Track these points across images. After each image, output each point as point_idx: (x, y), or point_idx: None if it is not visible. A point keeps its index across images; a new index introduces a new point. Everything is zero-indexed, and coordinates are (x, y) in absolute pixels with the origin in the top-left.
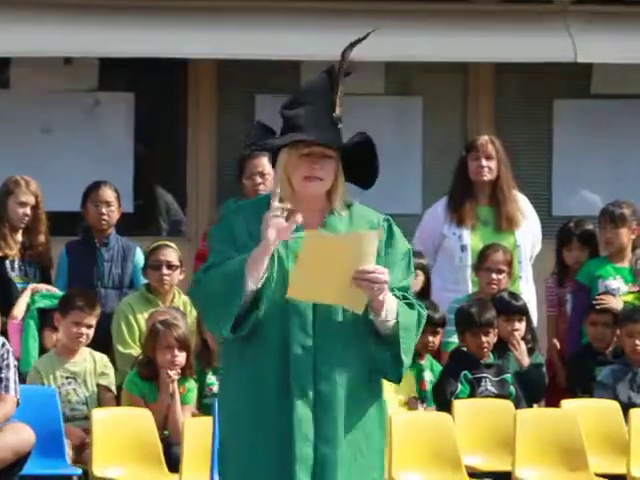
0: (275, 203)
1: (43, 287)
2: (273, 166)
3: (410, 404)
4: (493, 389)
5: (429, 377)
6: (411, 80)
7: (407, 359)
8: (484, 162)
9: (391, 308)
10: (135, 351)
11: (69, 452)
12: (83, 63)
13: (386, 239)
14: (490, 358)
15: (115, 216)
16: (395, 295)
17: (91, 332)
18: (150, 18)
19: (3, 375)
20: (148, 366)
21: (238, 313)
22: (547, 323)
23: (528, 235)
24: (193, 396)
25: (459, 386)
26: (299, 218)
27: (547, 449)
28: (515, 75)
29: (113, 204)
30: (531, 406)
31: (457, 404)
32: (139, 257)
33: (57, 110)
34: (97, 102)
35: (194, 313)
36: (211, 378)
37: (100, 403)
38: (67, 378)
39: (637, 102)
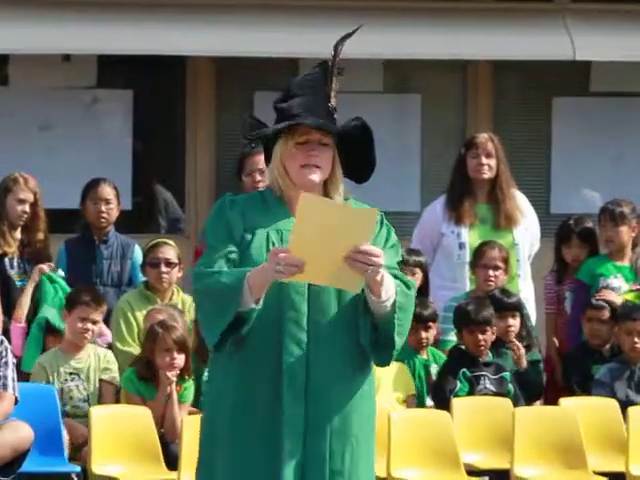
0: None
1: (46, 267)
2: (267, 161)
3: (409, 403)
4: (492, 387)
5: (435, 369)
6: (410, 78)
7: (400, 341)
8: (483, 160)
9: (389, 288)
10: (134, 349)
11: (67, 448)
12: (82, 60)
13: (378, 231)
14: (489, 356)
15: (114, 213)
16: (392, 274)
17: (97, 328)
18: (149, 15)
19: (1, 373)
20: (147, 367)
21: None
22: (546, 321)
23: (526, 233)
24: (190, 394)
25: (458, 384)
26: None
27: (546, 447)
28: (514, 73)
29: (112, 201)
30: (530, 404)
31: (456, 402)
32: (138, 254)
33: (56, 107)
34: (96, 99)
35: (192, 311)
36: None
37: (101, 397)
38: (71, 374)
39: (636, 100)
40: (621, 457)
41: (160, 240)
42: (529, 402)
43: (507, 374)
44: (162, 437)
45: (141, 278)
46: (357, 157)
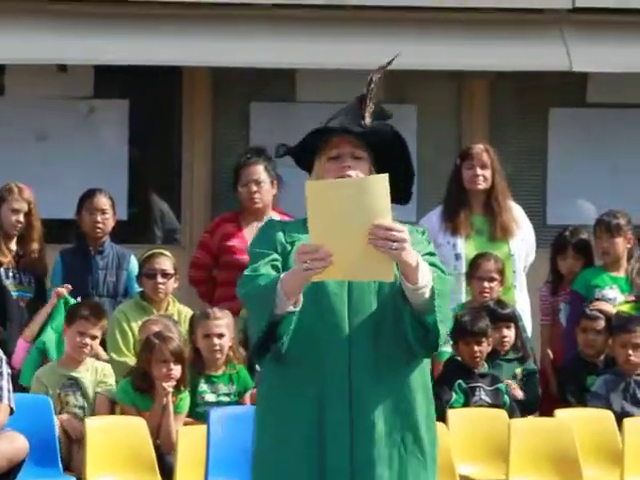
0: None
1: (64, 290)
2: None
3: None
4: (487, 398)
5: None
6: (405, 89)
7: (443, 329)
8: (479, 171)
9: (424, 273)
10: (129, 359)
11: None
12: (78, 70)
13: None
14: (484, 367)
15: (110, 224)
16: (428, 262)
17: (95, 343)
18: (145, 26)
19: None
20: (143, 378)
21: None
22: (540, 332)
23: (522, 244)
24: (185, 405)
25: (453, 395)
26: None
27: (541, 459)
28: (510, 84)
29: (108, 212)
30: (525, 416)
31: (451, 413)
32: (133, 265)
33: (52, 117)
34: (92, 109)
35: (187, 322)
36: (203, 386)
37: (95, 409)
38: (68, 379)
39: (632, 111)
40: (616, 469)
41: (156, 251)
42: (525, 413)
43: (503, 385)
44: (157, 448)
45: (137, 289)
46: (395, 171)
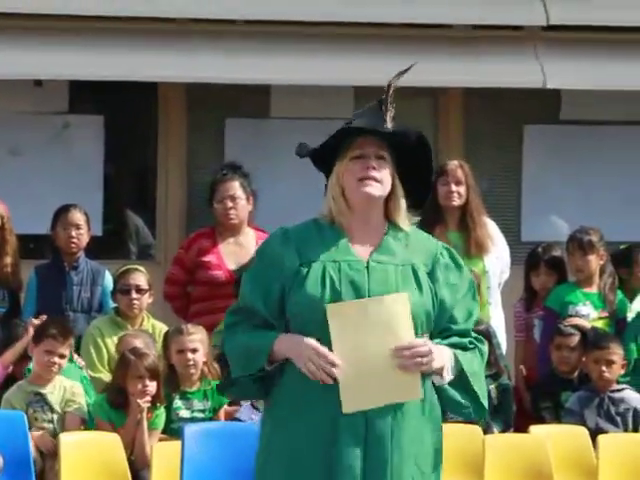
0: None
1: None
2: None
3: None
4: None
5: None
6: None
7: (486, 402)
8: (453, 187)
9: (449, 365)
10: (104, 375)
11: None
12: (53, 85)
13: (449, 269)
14: None
15: (84, 239)
16: (450, 344)
17: (64, 362)
18: (120, 41)
19: None
20: (118, 393)
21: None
22: (515, 348)
23: (497, 261)
24: (161, 421)
25: None
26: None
27: (516, 475)
28: (485, 100)
29: (82, 227)
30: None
31: None
32: (108, 280)
33: (26, 132)
34: (67, 124)
35: (161, 337)
36: (178, 402)
37: (65, 427)
38: (35, 395)
39: (606, 128)
40: None
41: (130, 266)
42: (502, 430)
43: None
44: (132, 464)
45: (111, 304)
46: (414, 175)
